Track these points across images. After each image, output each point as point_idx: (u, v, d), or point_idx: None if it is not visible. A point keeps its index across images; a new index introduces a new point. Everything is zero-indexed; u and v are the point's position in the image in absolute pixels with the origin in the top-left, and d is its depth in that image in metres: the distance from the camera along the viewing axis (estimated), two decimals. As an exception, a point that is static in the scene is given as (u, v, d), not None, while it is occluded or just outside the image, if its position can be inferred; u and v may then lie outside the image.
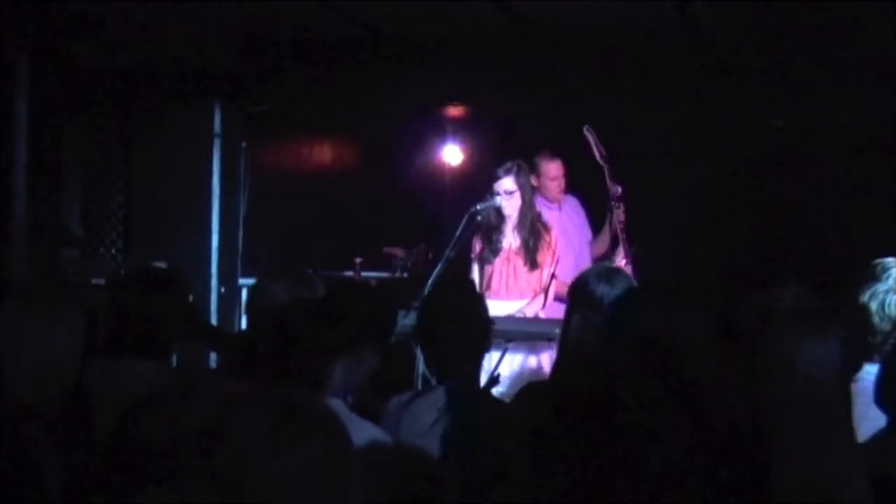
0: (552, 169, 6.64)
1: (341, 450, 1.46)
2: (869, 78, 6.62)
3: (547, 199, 6.52)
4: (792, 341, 2.29)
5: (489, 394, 3.19)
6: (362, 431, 2.46)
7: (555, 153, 6.66)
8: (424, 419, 2.86)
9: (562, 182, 6.68)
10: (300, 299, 3.15)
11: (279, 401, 1.50)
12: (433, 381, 3.10)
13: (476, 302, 3.29)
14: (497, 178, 5.76)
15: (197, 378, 3.09)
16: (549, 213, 6.30)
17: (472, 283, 5.29)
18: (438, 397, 2.92)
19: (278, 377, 2.83)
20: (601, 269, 3.56)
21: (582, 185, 6.95)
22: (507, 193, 5.76)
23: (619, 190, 6.43)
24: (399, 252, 6.85)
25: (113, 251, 7.36)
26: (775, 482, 2.15)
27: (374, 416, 2.98)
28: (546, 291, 5.77)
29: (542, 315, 5.70)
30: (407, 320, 4.15)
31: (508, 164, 5.80)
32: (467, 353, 3.06)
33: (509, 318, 5.43)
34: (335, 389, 2.80)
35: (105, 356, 3.08)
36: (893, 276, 3.12)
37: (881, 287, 3.11)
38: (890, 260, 3.20)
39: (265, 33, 7.26)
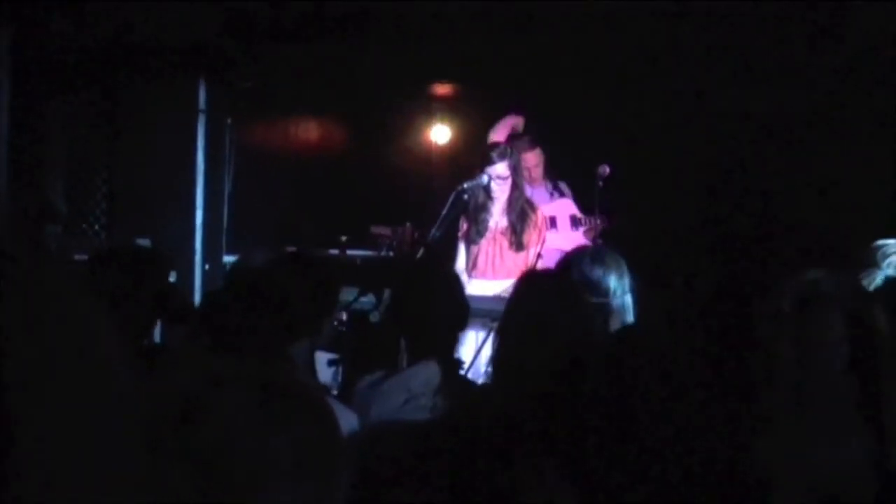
0: (529, 158, 6.68)
1: (328, 431, 1.44)
2: (862, 62, 6.61)
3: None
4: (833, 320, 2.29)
5: (462, 375, 3.17)
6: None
7: (534, 142, 6.68)
8: (395, 399, 2.84)
9: (536, 171, 6.73)
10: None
11: (263, 380, 1.47)
12: (404, 362, 3.06)
13: (452, 283, 3.26)
14: (491, 163, 5.72)
15: (177, 356, 3.05)
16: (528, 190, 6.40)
17: (448, 264, 5.26)
18: (410, 377, 2.89)
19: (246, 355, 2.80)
20: (591, 251, 3.55)
21: (569, 165, 6.95)
22: (501, 179, 5.72)
23: (608, 170, 6.45)
24: (386, 231, 6.82)
25: (97, 227, 7.30)
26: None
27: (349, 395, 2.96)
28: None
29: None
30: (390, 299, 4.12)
31: (502, 148, 5.77)
32: (443, 334, 3.03)
33: (495, 298, 5.40)
34: (298, 369, 2.78)
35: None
36: (894, 263, 3.05)
37: (880, 274, 3.04)
38: (890, 244, 3.11)
39: (251, 8, 7.19)
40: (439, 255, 5.65)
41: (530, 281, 3.16)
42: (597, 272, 3.20)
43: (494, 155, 5.72)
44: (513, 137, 6.66)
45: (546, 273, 4.09)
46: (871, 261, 3.09)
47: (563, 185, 7.02)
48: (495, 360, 2.94)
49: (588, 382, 1.64)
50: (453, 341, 3.06)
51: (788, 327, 2.30)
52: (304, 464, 1.38)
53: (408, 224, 6.64)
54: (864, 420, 2.30)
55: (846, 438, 2.25)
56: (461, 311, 3.08)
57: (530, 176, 6.72)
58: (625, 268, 3.31)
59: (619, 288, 3.25)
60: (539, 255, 5.78)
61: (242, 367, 1.76)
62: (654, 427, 1.61)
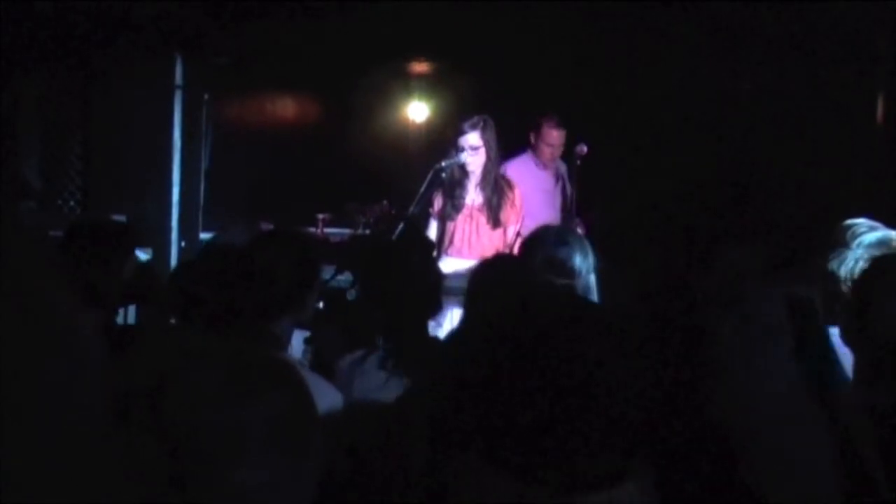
0: (553, 136, 6.81)
1: (301, 405, 1.44)
2: (838, 40, 6.62)
3: (538, 159, 6.72)
4: (773, 296, 2.26)
5: (438, 353, 3.16)
6: (315, 387, 2.43)
7: (561, 124, 6.78)
8: (377, 376, 2.84)
9: (556, 151, 6.83)
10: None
11: (236, 354, 1.47)
12: (379, 340, 3.05)
13: (425, 258, 3.24)
14: (463, 133, 5.71)
15: (150, 333, 3.03)
16: (539, 172, 6.64)
17: (425, 239, 5.23)
18: (390, 355, 2.89)
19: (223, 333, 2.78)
20: (555, 231, 3.54)
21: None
22: (472, 149, 5.71)
23: (585, 149, 6.48)
24: (363, 208, 6.80)
25: (72, 203, 7.26)
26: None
27: (329, 372, 2.95)
28: (511, 250, 5.76)
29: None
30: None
31: (475, 119, 5.75)
32: (414, 310, 3.02)
33: (472, 276, 5.39)
34: (281, 345, 2.77)
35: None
36: (864, 243, 2.94)
37: (850, 255, 2.94)
38: (861, 224, 3.01)
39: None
40: (419, 231, 5.65)
41: (490, 266, 3.15)
42: (562, 252, 3.17)
43: (466, 125, 5.71)
44: (543, 116, 6.79)
45: (505, 258, 4.05)
46: (841, 241, 2.98)
47: (561, 167, 7.08)
48: (460, 341, 2.93)
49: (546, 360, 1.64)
50: (427, 318, 3.05)
51: (729, 309, 2.27)
52: (277, 438, 1.37)
53: (385, 201, 6.63)
54: (816, 403, 2.27)
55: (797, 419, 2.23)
56: (435, 288, 3.07)
57: (552, 155, 6.81)
58: (588, 247, 3.28)
59: (583, 268, 3.23)
60: (518, 234, 5.78)
61: (217, 343, 1.76)
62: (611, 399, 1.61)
